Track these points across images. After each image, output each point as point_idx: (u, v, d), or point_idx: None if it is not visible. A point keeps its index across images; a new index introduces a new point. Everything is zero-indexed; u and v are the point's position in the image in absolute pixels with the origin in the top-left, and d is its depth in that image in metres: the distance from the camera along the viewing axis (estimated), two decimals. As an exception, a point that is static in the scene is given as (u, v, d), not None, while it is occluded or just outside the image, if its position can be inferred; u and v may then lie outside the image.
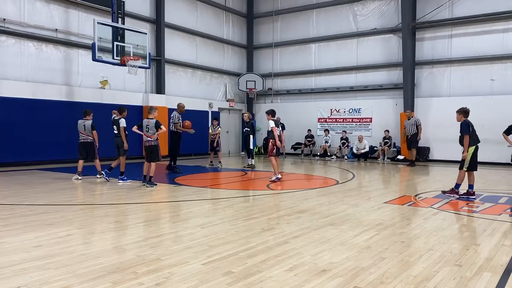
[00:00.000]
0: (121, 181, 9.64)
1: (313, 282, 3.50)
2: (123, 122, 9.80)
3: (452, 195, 7.83)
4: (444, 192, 8.05)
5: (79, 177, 10.00)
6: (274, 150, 10.25)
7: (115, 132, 9.91)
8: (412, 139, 14.93)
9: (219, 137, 13.92)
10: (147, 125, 9.15)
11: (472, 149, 7.70)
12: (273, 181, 10.03)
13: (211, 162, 14.08)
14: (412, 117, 15.17)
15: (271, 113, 10.41)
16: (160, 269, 3.78)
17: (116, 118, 9.95)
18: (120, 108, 10.07)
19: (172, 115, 12.14)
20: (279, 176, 10.21)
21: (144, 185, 9.09)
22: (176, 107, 12.49)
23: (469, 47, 16.02)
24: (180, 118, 12.11)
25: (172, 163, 12.11)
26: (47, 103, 13.47)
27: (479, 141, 7.81)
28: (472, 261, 4.10)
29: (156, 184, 9.21)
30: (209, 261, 4.00)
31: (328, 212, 6.43)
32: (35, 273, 3.63)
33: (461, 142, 7.86)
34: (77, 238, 4.91)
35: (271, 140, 10.27)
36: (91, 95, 14.63)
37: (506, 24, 15.34)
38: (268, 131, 10.38)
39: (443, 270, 3.84)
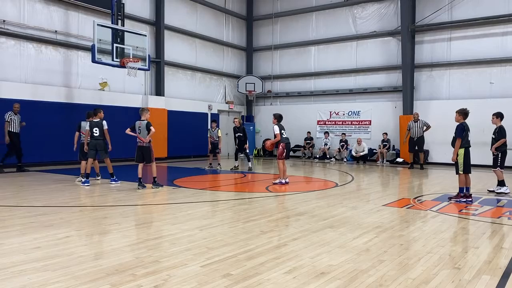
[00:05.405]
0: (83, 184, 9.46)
1: (311, 284, 3.49)
2: (105, 124, 9.70)
3: (458, 200, 7.79)
4: (450, 198, 8.01)
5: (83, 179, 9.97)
6: (284, 154, 9.94)
7: (96, 134, 9.63)
8: (418, 142, 14.73)
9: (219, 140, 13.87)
10: (139, 127, 9.16)
11: (462, 151, 7.75)
12: (275, 184, 9.93)
13: (210, 164, 14.07)
14: (419, 120, 14.80)
15: (278, 117, 10.04)
16: (158, 271, 3.77)
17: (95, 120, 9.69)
18: (96, 109, 9.86)
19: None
20: (283, 181, 9.95)
21: (153, 188, 9.03)
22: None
23: (468, 50, 16.06)
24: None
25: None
26: (46, 105, 13.47)
27: (469, 145, 7.85)
28: (471, 264, 4.10)
29: (162, 185, 9.21)
30: (208, 263, 3.99)
31: (327, 215, 6.43)
32: (33, 275, 3.62)
33: (453, 144, 7.89)
34: (75, 240, 4.90)
35: (281, 144, 9.97)
36: (91, 97, 14.62)
37: (505, 27, 15.38)
38: (281, 136, 9.93)
39: (441, 273, 3.84)
